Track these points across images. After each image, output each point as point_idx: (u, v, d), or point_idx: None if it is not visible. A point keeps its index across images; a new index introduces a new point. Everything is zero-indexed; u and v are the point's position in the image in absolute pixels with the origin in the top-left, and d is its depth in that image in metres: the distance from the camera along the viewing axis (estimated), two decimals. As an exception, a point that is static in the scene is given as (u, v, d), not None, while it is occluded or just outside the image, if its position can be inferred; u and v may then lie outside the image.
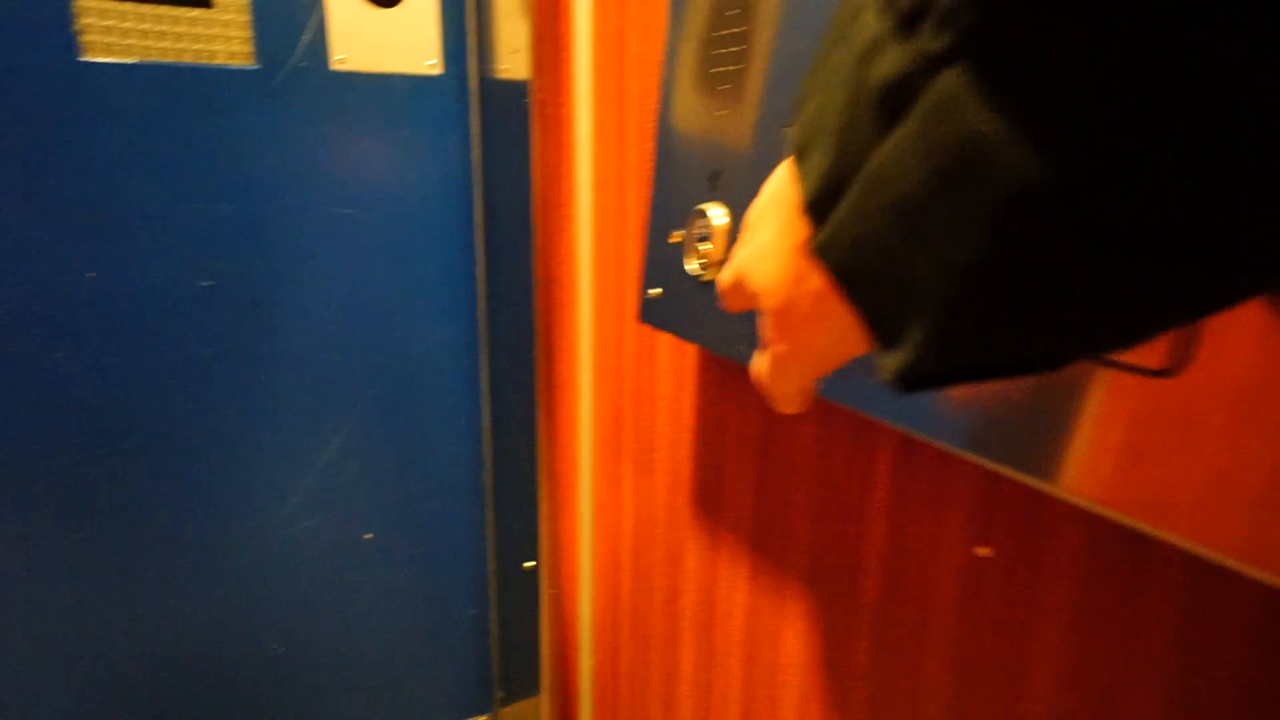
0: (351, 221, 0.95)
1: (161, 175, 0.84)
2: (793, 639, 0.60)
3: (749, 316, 0.51)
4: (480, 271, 1.02)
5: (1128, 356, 0.27)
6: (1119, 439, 0.28)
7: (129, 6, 0.79)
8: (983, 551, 0.43)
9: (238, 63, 0.84)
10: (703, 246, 0.55)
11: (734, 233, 0.52)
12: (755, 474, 0.63)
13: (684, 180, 0.57)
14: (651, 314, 0.62)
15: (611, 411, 0.90)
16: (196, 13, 0.81)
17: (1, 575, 0.85)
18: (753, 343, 0.51)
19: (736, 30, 0.50)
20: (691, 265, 0.56)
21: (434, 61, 0.93)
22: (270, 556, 0.99)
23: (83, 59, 0.78)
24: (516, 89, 0.93)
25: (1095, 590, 0.37)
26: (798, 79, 0.47)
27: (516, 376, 1.04)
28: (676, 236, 0.58)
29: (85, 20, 0.77)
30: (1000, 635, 0.42)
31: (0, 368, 0.81)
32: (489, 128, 0.96)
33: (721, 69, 0.52)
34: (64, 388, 0.85)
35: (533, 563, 1.03)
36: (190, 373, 0.90)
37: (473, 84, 0.95)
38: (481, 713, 1.18)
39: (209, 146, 0.85)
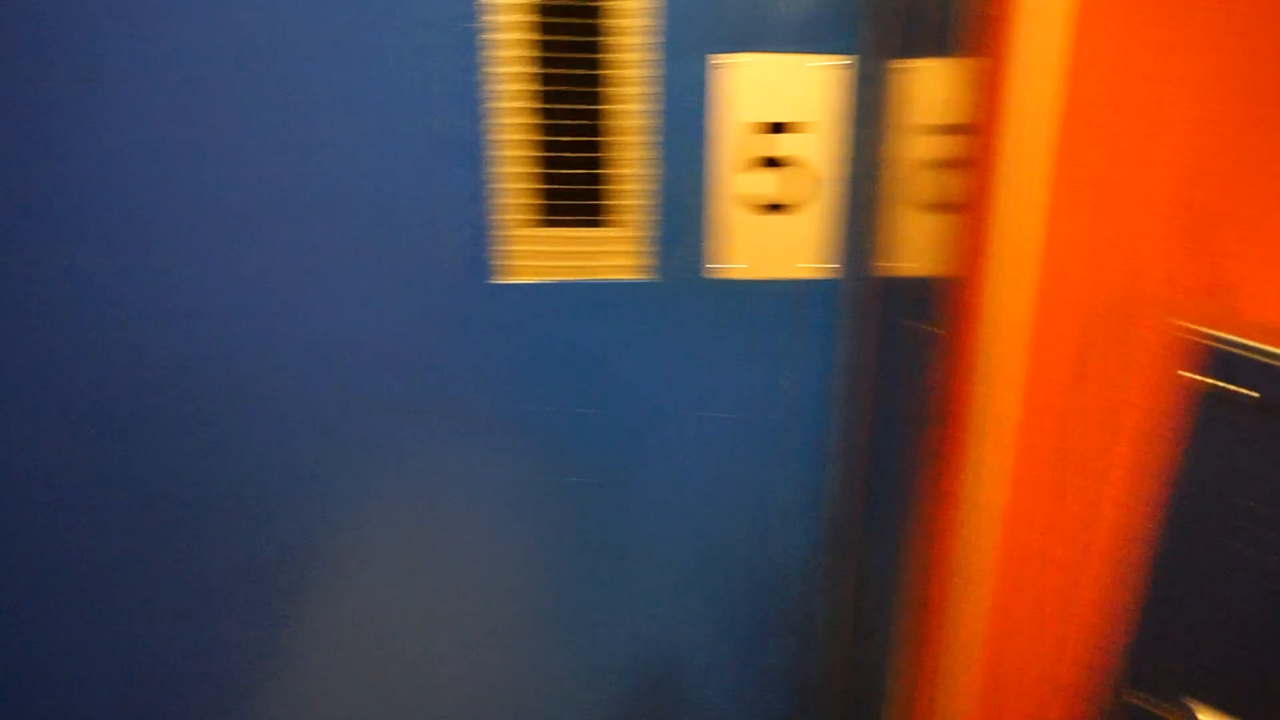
0: (716, 423, 0.90)
1: (549, 381, 0.86)
2: None
3: None
4: (837, 485, 0.92)
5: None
6: None
7: (537, 231, 0.82)
8: None
9: (629, 276, 0.84)
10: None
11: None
12: None
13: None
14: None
15: None
16: (593, 233, 0.82)
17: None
18: None
19: None
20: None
21: (819, 264, 0.85)
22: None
23: (495, 281, 0.82)
24: (911, 291, 0.82)
25: None
26: None
27: (877, 622, 0.92)
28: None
29: (503, 245, 0.81)
30: None
31: (401, 546, 0.90)
32: (876, 331, 0.85)
33: None
34: (462, 560, 0.91)
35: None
36: (549, 557, 0.92)
37: (860, 286, 0.85)
38: None
39: (596, 353, 0.86)
